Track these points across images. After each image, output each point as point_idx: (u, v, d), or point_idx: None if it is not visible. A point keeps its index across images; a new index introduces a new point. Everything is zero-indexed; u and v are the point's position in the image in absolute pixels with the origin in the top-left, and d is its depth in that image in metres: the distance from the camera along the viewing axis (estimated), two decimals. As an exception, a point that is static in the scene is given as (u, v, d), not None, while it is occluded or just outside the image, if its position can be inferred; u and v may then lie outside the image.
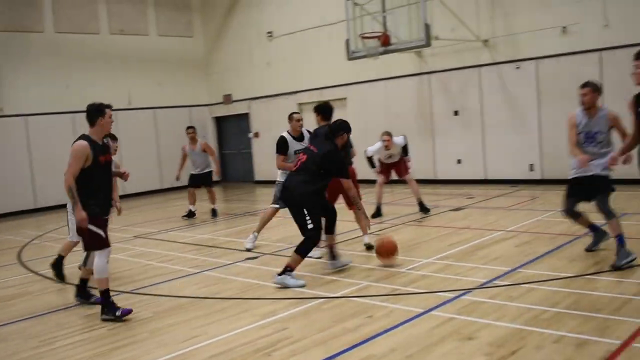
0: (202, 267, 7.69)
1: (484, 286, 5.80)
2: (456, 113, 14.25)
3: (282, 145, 7.90)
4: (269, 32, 18.05)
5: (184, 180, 12.70)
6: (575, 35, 12.19)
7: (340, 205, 7.39)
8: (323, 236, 6.70)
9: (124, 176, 6.53)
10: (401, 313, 5.18)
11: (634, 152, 5.62)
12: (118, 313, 5.61)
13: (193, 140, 12.11)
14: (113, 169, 7.78)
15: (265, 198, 14.73)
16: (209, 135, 19.84)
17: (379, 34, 12.77)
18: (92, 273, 6.17)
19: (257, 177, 19.21)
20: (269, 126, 18.04)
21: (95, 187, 5.61)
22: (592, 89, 6.16)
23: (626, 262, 5.89)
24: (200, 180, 12.22)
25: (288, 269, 6.29)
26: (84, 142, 5.53)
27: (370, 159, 10.31)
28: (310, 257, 6.82)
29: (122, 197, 8.42)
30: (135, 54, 18.38)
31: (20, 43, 16.06)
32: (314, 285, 6.28)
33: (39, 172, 16.10)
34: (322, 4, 16.28)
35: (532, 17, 12.72)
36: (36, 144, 16.18)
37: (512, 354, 4.14)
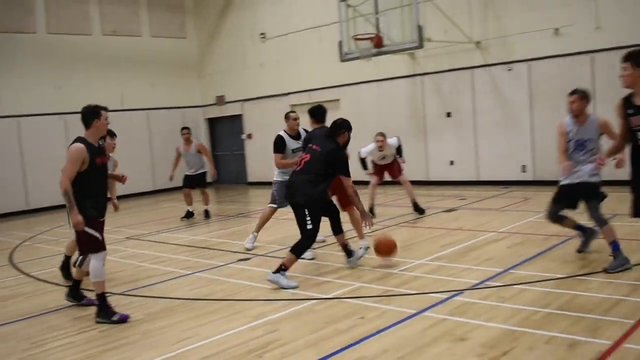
0: (194, 268, 7.68)
1: (477, 287, 5.81)
2: (449, 114, 14.28)
3: (279, 144, 8.01)
4: (262, 34, 18.04)
5: (177, 182, 12.66)
6: (567, 37, 12.25)
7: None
8: (319, 237, 6.70)
9: (122, 179, 6.50)
10: (393, 314, 5.19)
11: (626, 155, 5.61)
12: (115, 318, 5.57)
13: (188, 141, 12.07)
14: (113, 167, 7.76)
15: (258, 199, 14.74)
16: (201, 137, 19.79)
17: (372, 35, 12.78)
18: (86, 274, 6.16)
19: (250, 179, 19.15)
20: (261, 127, 18.03)
21: (91, 189, 5.58)
22: (579, 97, 6.14)
23: (618, 270, 5.86)
24: (194, 181, 12.19)
25: (282, 268, 6.30)
26: (81, 146, 5.48)
27: (363, 161, 10.29)
28: (302, 258, 6.85)
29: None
30: (128, 55, 18.32)
31: (13, 44, 15.97)
32: (306, 287, 6.28)
33: (30, 173, 16.01)
34: (315, 5, 16.31)
35: (524, 19, 12.77)
36: (28, 145, 16.10)
37: (504, 354, 4.15)
